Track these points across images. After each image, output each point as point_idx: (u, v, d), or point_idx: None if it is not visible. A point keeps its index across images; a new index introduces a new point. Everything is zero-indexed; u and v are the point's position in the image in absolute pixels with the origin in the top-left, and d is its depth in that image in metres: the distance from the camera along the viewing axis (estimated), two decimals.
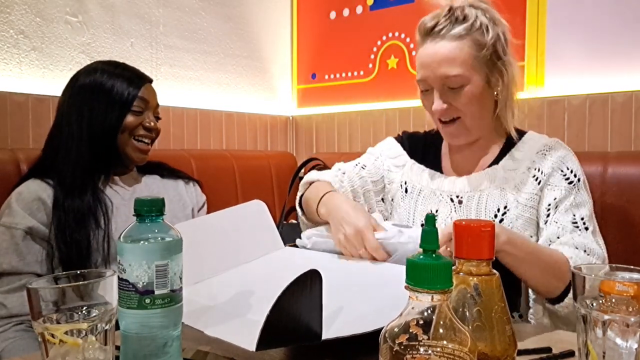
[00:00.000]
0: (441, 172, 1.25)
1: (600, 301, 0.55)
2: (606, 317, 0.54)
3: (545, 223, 1.10)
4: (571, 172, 1.12)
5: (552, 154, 1.14)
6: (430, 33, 1.11)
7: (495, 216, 1.12)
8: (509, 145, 1.19)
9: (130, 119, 1.23)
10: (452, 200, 1.17)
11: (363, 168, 1.29)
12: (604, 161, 1.39)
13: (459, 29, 1.09)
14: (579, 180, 1.12)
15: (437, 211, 1.19)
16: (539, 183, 1.12)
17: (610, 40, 1.60)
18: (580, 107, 1.63)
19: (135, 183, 1.32)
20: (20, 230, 1.11)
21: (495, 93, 1.14)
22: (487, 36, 1.09)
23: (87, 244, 1.14)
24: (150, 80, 1.29)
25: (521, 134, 1.21)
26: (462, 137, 1.17)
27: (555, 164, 1.12)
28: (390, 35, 2.13)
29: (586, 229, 1.09)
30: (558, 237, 1.08)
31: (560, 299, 1.01)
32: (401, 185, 1.27)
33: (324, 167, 2.02)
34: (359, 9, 2.22)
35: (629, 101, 1.55)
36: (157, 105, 1.30)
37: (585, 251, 1.05)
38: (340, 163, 1.33)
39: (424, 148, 1.31)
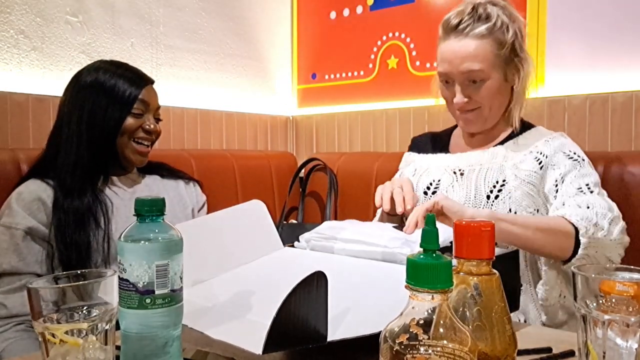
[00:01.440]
0: (448, 152, 1.33)
1: (600, 301, 0.55)
2: (606, 317, 0.54)
3: (555, 198, 1.14)
4: (574, 153, 1.17)
5: (555, 141, 1.20)
6: (454, 30, 1.17)
7: (494, 187, 1.16)
8: (515, 134, 1.26)
9: (130, 121, 1.23)
10: (454, 172, 1.23)
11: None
12: (604, 161, 1.39)
13: (481, 28, 1.15)
14: (583, 160, 1.17)
15: (439, 181, 1.25)
16: (539, 163, 1.17)
17: (610, 40, 1.60)
18: (580, 107, 1.63)
19: (135, 183, 1.32)
20: (20, 230, 1.11)
21: (512, 87, 1.22)
22: (507, 35, 1.17)
23: (87, 245, 1.14)
24: (152, 82, 1.29)
25: (530, 127, 1.27)
26: (479, 124, 1.24)
27: (558, 148, 1.18)
28: (390, 35, 2.13)
29: (591, 192, 1.11)
30: (563, 204, 1.11)
31: (573, 255, 1.03)
32: (411, 174, 1.33)
33: (324, 167, 2.02)
34: (359, 9, 2.22)
35: (629, 101, 1.55)
36: (158, 107, 1.30)
37: (588, 207, 1.06)
38: None
39: (430, 141, 1.40)
